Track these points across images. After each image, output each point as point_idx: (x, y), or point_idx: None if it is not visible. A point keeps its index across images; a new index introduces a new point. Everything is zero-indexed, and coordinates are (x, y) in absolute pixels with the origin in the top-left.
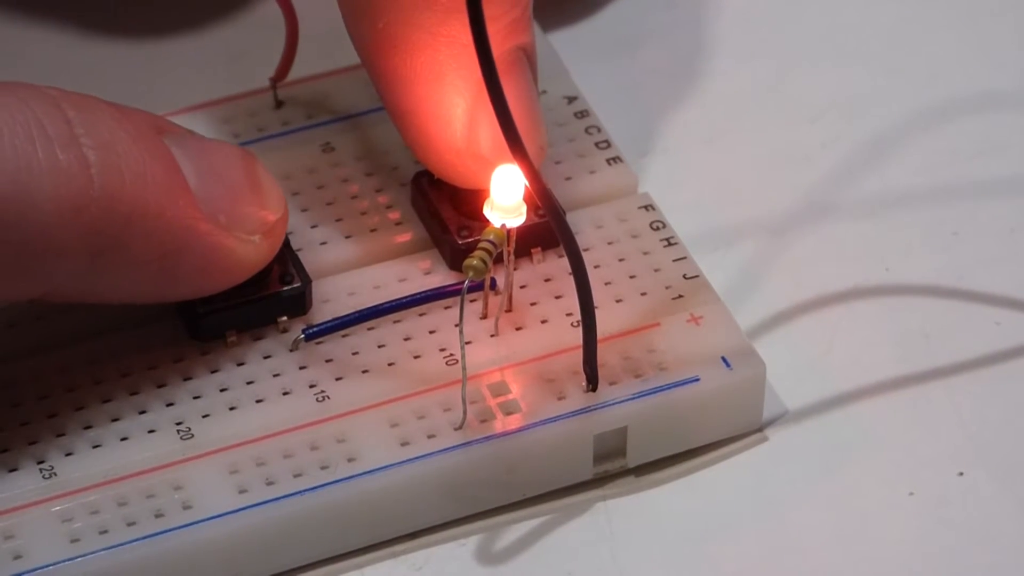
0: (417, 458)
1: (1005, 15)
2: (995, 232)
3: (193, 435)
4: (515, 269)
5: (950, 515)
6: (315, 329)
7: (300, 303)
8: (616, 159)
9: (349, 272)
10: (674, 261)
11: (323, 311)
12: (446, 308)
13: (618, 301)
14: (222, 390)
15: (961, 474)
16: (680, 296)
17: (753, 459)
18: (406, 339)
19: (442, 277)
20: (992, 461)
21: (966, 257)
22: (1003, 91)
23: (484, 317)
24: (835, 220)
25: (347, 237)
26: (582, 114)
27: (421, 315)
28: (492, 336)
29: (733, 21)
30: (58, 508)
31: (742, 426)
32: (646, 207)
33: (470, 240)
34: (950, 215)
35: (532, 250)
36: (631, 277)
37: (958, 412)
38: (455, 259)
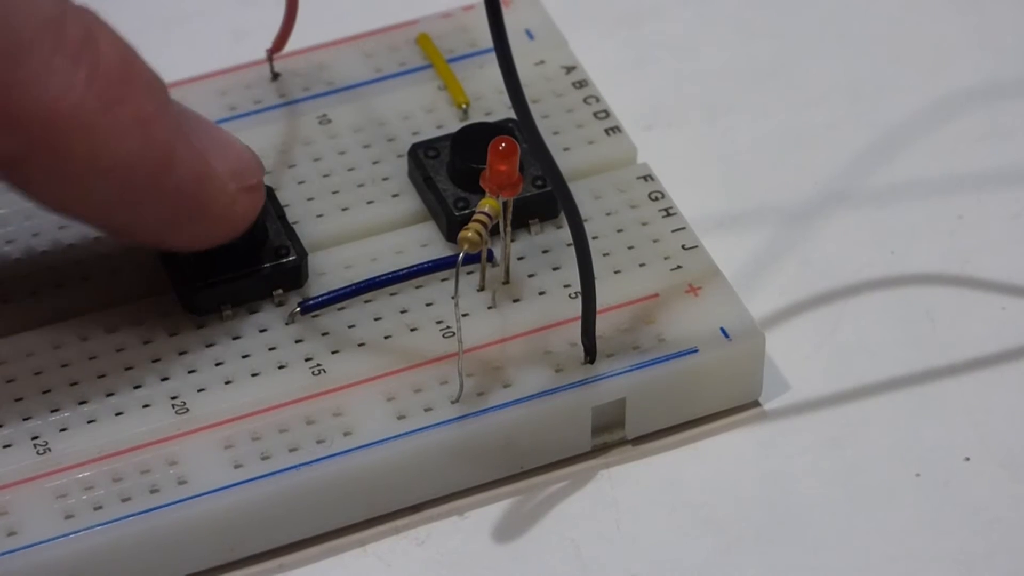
0: (414, 432)
1: (1011, 0)
2: (1000, 217)
3: (188, 409)
4: (512, 241)
5: (956, 498)
6: (311, 302)
7: (296, 276)
8: (615, 129)
9: (345, 245)
10: (673, 232)
11: (319, 284)
12: (443, 280)
13: (616, 272)
14: (217, 364)
15: (967, 459)
16: (679, 267)
17: (755, 431)
18: (402, 312)
19: (439, 249)
20: (998, 446)
21: (971, 242)
22: (1009, 76)
23: (481, 289)
24: (840, 202)
25: (343, 209)
26: (580, 84)
27: (418, 288)
28: (489, 308)
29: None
30: (52, 484)
31: (741, 397)
32: (645, 177)
33: (466, 212)
34: (955, 199)
35: (529, 221)
36: (629, 248)
37: (963, 397)
38: (452, 231)
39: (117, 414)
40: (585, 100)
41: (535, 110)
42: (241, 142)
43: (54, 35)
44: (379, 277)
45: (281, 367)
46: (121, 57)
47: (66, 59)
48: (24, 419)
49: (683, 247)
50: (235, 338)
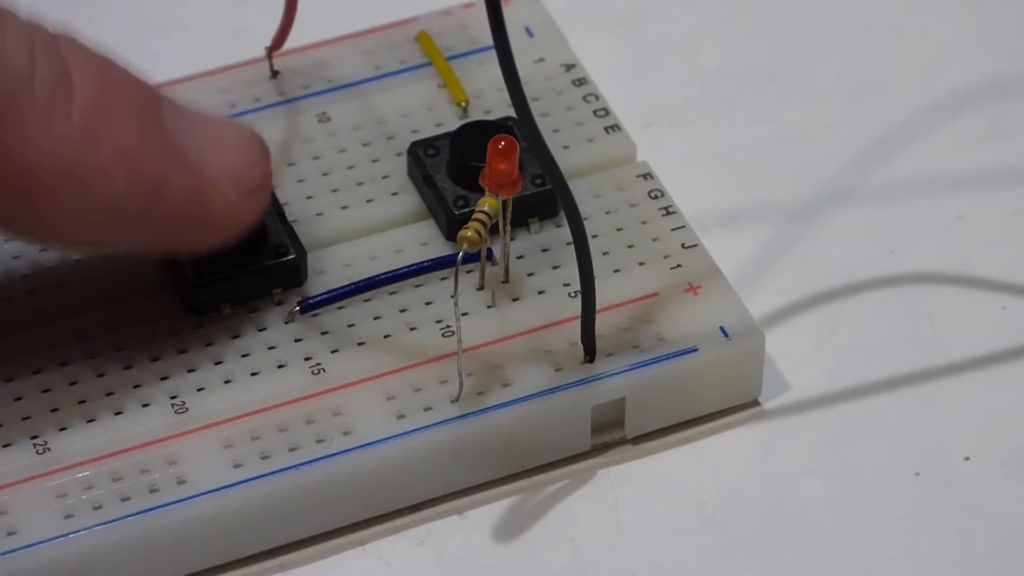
0: (414, 431)
1: (1011, 0)
2: (1000, 216)
3: (188, 409)
4: (512, 239)
5: (956, 497)
6: (310, 301)
7: (295, 275)
8: (614, 127)
9: (345, 243)
10: (672, 230)
11: (318, 283)
12: (442, 279)
13: (616, 271)
14: (217, 363)
15: (967, 459)
16: (678, 266)
17: (755, 430)
18: (402, 311)
19: (439, 248)
20: (998, 446)
21: (971, 241)
22: (1009, 75)
23: (481, 288)
24: (840, 201)
25: (343, 208)
26: (580, 82)
27: (417, 287)
28: (489, 307)
29: None
30: (52, 484)
31: (741, 397)
32: (644, 175)
33: (466, 211)
34: (955, 198)
35: (529, 220)
36: (629, 247)
37: (963, 396)
38: (451, 230)
39: (116, 413)
40: (585, 98)
41: (535, 108)
42: (241, 129)
43: (25, 91)
44: (378, 276)
45: (281, 366)
46: (96, 87)
47: (40, 112)
48: (23, 418)
49: (683, 246)
50: (234, 337)
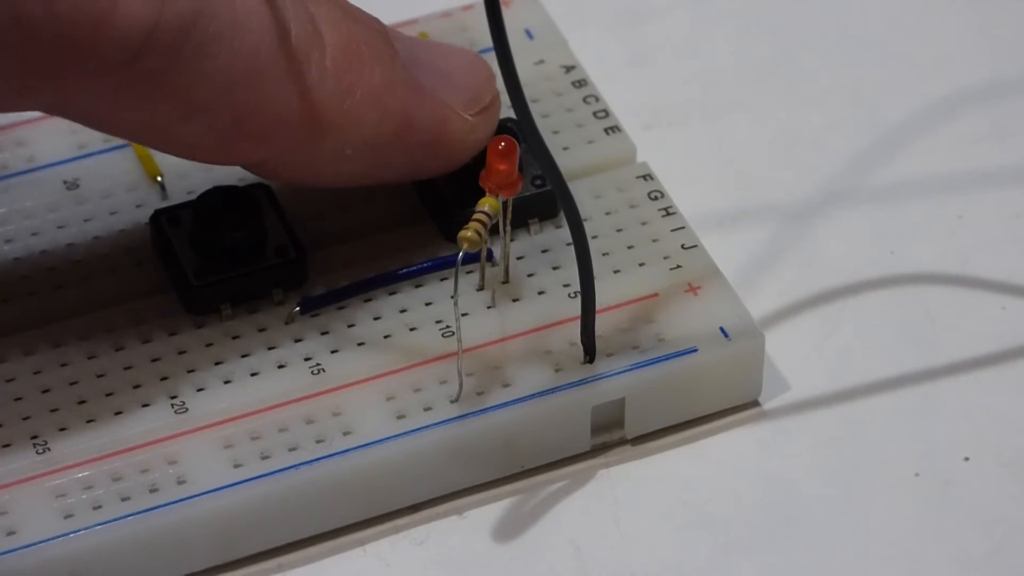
0: (413, 431)
1: (1011, 0)
2: (1000, 217)
3: (188, 409)
4: (512, 240)
5: (956, 497)
6: (311, 301)
7: (296, 275)
8: (614, 128)
9: (345, 244)
10: (672, 231)
11: (319, 283)
12: (442, 280)
13: (616, 272)
14: (217, 363)
15: (967, 459)
16: (678, 266)
17: (754, 431)
18: (402, 311)
19: (438, 249)
20: (998, 446)
21: (971, 241)
22: (1009, 76)
23: (481, 289)
24: (840, 202)
25: (343, 208)
26: (580, 83)
27: (417, 287)
28: (489, 308)
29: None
30: (52, 483)
31: (740, 397)
32: (644, 176)
33: (466, 211)
34: (955, 199)
35: (529, 220)
36: (629, 247)
37: (963, 397)
38: (451, 231)
39: (116, 413)
40: (584, 99)
41: (535, 109)
42: (467, 53)
43: (284, 47)
44: (378, 276)
45: (281, 366)
46: (343, 36)
47: (298, 64)
48: (23, 418)
49: (682, 246)
50: (234, 337)
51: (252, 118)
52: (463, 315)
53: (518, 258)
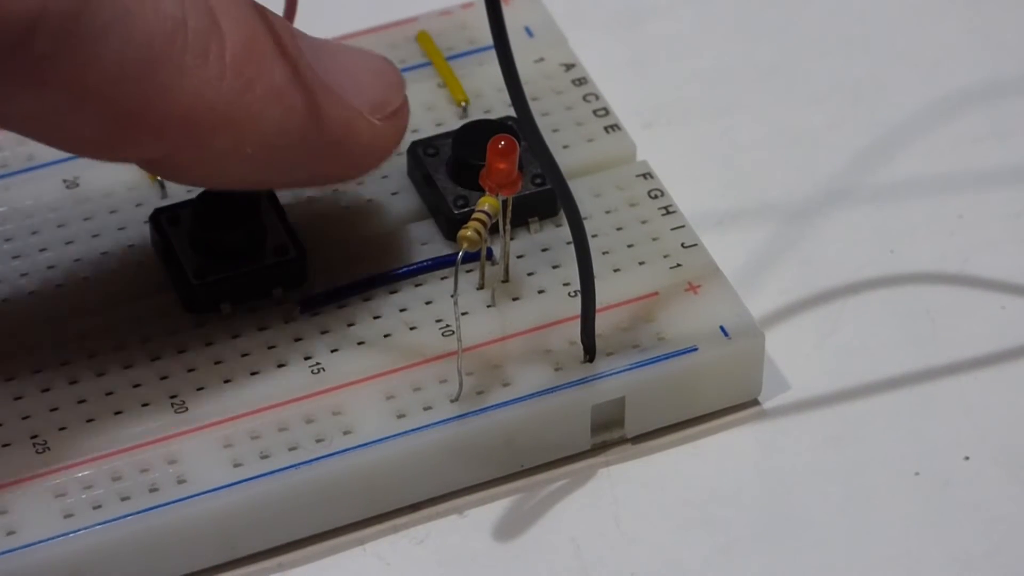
0: (413, 430)
1: (1011, 0)
2: (1000, 216)
3: (187, 408)
4: (511, 239)
5: (956, 497)
6: (310, 300)
7: (296, 274)
8: (614, 127)
9: (345, 243)
10: (672, 230)
11: (319, 282)
12: (442, 279)
13: (616, 270)
14: (217, 363)
15: (967, 458)
16: (678, 265)
17: (754, 430)
18: (402, 310)
19: (438, 248)
20: (998, 446)
21: (971, 241)
22: (1009, 76)
23: (480, 288)
24: (840, 202)
25: (344, 207)
26: (580, 82)
27: (417, 286)
28: (488, 307)
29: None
30: (51, 483)
31: (740, 396)
32: (644, 175)
33: (466, 210)
34: (955, 198)
35: (529, 219)
36: (629, 246)
37: (963, 396)
38: (451, 230)
39: (116, 413)
40: (584, 98)
41: (534, 108)
42: (374, 56)
43: (181, 35)
44: (378, 275)
45: (280, 365)
46: (244, 29)
47: (195, 56)
48: (23, 418)
49: (683, 245)
50: (234, 337)
51: (145, 110)
52: (463, 314)
53: (518, 257)
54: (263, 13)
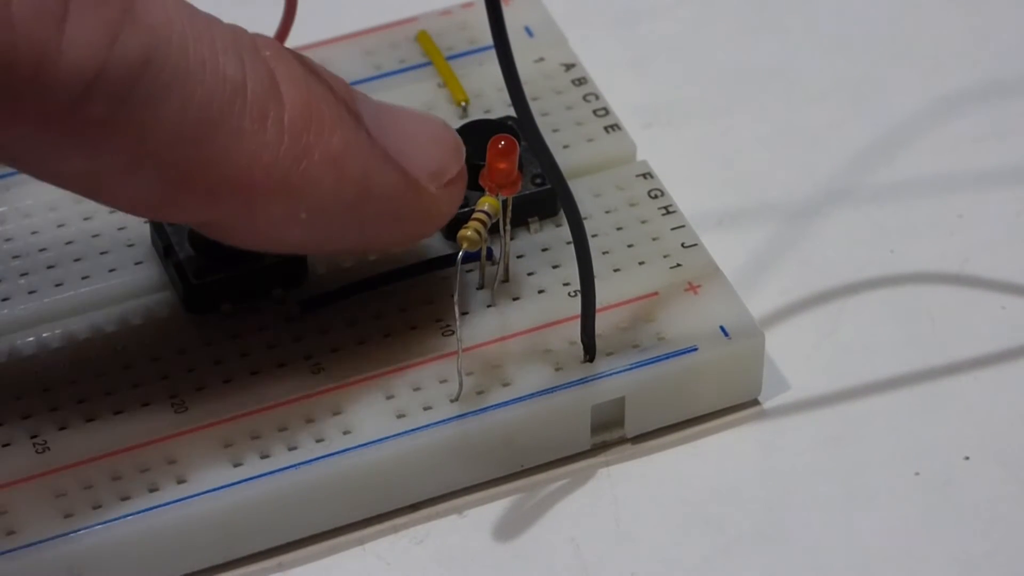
0: (413, 430)
1: (1011, 0)
2: (1001, 216)
3: (187, 408)
4: (511, 239)
5: (956, 497)
6: (311, 300)
7: (295, 274)
8: (614, 127)
9: None
10: (672, 230)
11: (318, 282)
12: (443, 279)
13: (616, 270)
14: (216, 362)
15: (967, 458)
16: (678, 265)
17: (754, 430)
18: (402, 310)
19: (438, 247)
20: (998, 446)
21: (971, 240)
22: (1009, 76)
23: (480, 288)
24: (840, 201)
25: None
26: (580, 81)
27: (417, 286)
28: (489, 307)
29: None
30: (51, 483)
31: (740, 396)
32: (644, 175)
33: (466, 210)
34: (955, 198)
35: (529, 219)
36: (629, 246)
37: (963, 396)
38: (451, 229)
39: (116, 413)
40: (584, 98)
41: (534, 108)
42: (435, 122)
43: (240, 99)
44: (378, 275)
45: (280, 365)
46: (303, 93)
47: (254, 120)
48: (23, 418)
49: (683, 245)
50: (234, 336)
51: (201, 174)
52: (463, 314)
53: (518, 257)
54: (322, 75)
